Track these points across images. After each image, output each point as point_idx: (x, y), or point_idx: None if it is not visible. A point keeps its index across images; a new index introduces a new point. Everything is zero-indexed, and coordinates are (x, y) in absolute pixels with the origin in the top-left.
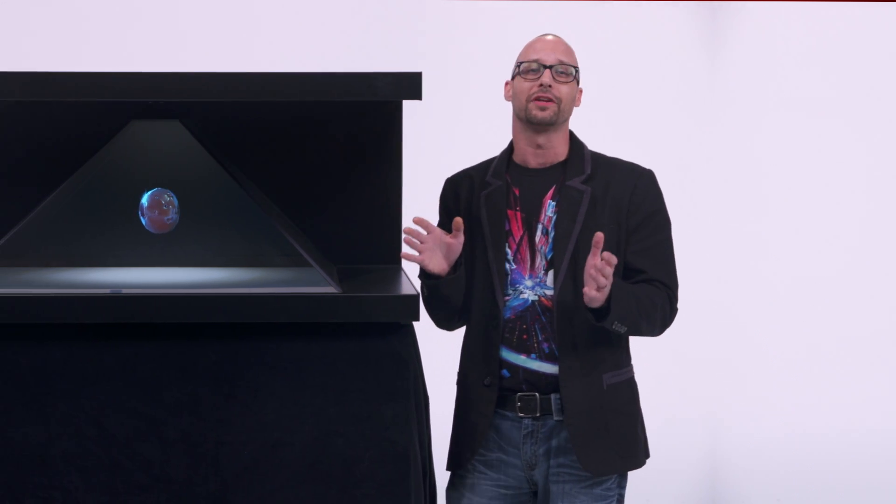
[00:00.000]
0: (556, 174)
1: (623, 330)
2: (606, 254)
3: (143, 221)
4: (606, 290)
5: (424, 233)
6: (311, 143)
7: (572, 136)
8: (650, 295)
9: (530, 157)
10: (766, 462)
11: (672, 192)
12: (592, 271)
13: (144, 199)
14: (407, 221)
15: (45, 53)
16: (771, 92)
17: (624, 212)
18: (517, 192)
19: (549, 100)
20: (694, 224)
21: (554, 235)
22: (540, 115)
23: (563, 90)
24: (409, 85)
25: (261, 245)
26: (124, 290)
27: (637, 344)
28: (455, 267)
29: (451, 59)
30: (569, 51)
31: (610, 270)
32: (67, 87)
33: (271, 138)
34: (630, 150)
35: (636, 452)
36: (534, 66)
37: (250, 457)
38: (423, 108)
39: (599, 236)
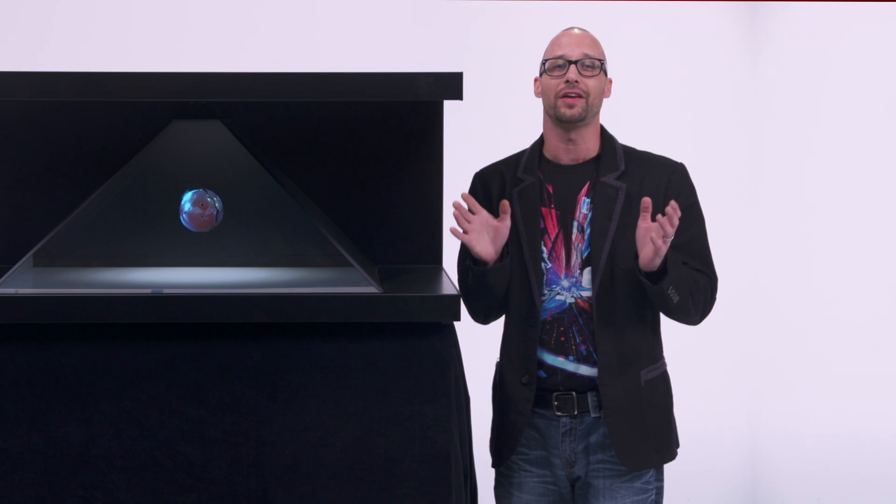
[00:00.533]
0: (590, 170)
1: (676, 299)
2: (671, 209)
3: (183, 219)
4: (663, 252)
5: (471, 212)
6: (352, 143)
7: (603, 130)
8: (697, 277)
9: (562, 153)
10: (807, 461)
11: (714, 190)
12: (654, 233)
13: (186, 198)
14: (448, 222)
15: (88, 54)
16: (812, 91)
17: (659, 206)
18: (550, 189)
19: (578, 95)
20: (737, 221)
21: (590, 233)
22: (569, 112)
23: (590, 84)
24: (450, 85)
25: (302, 245)
26: (166, 290)
27: (679, 342)
28: (502, 255)
29: (491, 58)
30: (594, 43)
31: (671, 229)
32: (109, 87)
33: (312, 138)
34: (671, 150)
35: (670, 445)
36: (559, 62)
37: (292, 457)
38: (464, 107)
39: (647, 200)
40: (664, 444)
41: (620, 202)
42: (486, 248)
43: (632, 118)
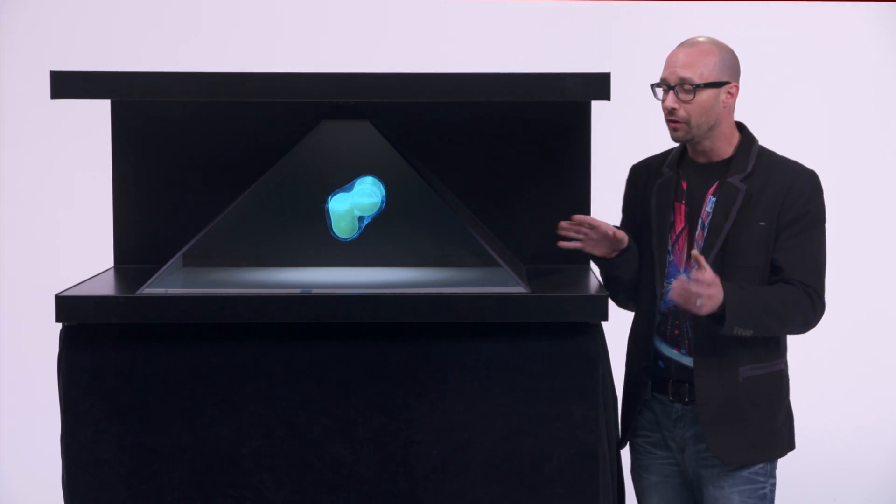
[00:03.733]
0: (721, 170)
1: (748, 333)
2: (695, 255)
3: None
4: (714, 302)
5: (582, 227)
6: (499, 143)
7: (744, 131)
8: (781, 295)
9: (697, 154)
10: None
11: (862, 196)
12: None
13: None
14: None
15: (237, 54)
16: None
17: (776, 210)
18: (685, 186)
19: (677, 121)
20: (885, 226)
21: (707, 231)
22: (674, 135)
23: (689, 108)
24: (598, 85)
25: (450, 245)
26: (314, 291)
27: (828, 351)
28: (622, 250)
29: (638, 59)
30: (694, 63)
31: (704, 276)
32: (259, 88)
33: (459, 138)
34: (817, 153)
35: (773, 444)
36: (662, 85)
37: (439, 456)
38: (612, 107)
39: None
40: (765, 442)
41: (739, 202)
42: (604, 251)
43: (777, 122)
